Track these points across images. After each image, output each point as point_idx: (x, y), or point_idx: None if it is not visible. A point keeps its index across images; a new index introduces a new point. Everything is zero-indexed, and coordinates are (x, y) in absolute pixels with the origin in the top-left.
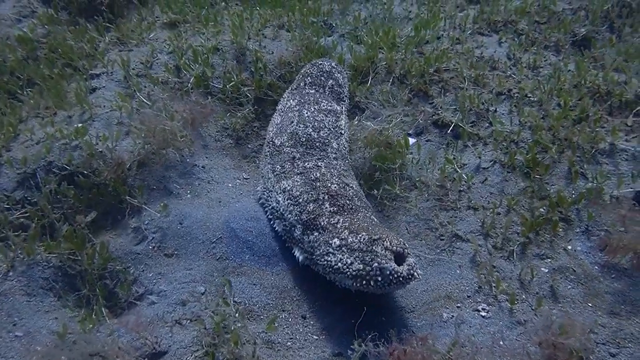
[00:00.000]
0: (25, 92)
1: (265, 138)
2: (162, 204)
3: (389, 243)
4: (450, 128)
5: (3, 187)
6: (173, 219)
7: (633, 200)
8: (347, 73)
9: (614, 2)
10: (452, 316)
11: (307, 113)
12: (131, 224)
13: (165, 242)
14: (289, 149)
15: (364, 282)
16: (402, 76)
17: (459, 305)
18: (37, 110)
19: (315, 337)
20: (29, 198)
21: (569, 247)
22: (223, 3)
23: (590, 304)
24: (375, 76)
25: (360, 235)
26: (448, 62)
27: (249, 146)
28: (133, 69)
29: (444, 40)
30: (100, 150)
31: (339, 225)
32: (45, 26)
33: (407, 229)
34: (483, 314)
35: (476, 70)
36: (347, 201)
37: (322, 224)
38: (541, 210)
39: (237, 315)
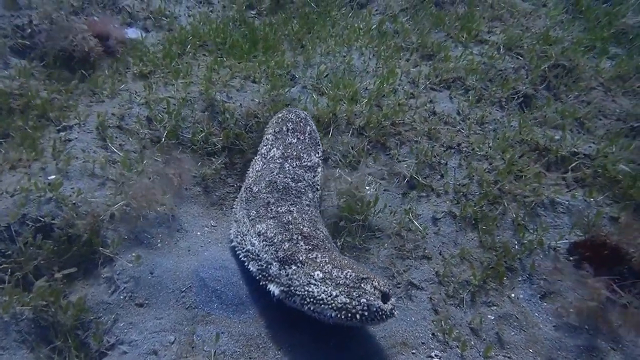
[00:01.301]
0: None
1: (232, 185)
2: (135, 255)
3: (377, 283)
4: (406, 179)
5: None
6: (144, 269)
7: (568, 251)
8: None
9: (550, 64)
10: None
11: (288, 167)
12: (103, 274)
13: (137, 291)
14: (265, 194)
15: (349, 315)
16: (361, 128)
17: (414, 351)
18: (10, 162)
19: None
20: (3, 251)
21: (513, 295)
22: (191, 54)
23: (531, 350)
24: (337, 127)
25: (346, 272)
26: (404, 115)
27: (216, 194)
28: (105, 121)
29: (399, 94)
30: (74, 202)
31: (318, 260)
32: (19, 78)
33: None
34: None
35: (429, 125)
36: (320, 242)
37: (301, 258)
38: (490, 259)
39: None
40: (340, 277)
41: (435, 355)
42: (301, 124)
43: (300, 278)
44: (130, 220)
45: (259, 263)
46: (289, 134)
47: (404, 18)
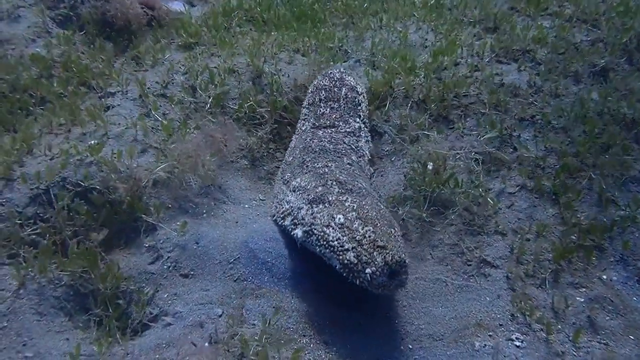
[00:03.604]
0: (38, 110)
1: (280, 159)
2: (181, 222)
3: (390, 257)
4: (474, 152)
5: (15, 203)
6: (189, 238)
7: None
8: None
9: (632, 35)
10: (485, 345)
11: (323, 134)
12: (146, 242)
13: (181, 261)
14: (299, 155)
15: (350, 274)
16: (421, 101)
17: (490, 334)
18: (50, 127)
19: None
20: (41, 215)
21: (604, 277)
22: (238, 28)
23: (631, 337)
24: (393, 100)
25: (367, 229)
26: (468, 87)
27: (265, 168)
28: (149, 88)
29: (462, 67)
30: (116, 167)
31: (347, 204)
32: (60, 46)
33: (431, 255)
34: (517, 343)
35: (497, 97)
36: (355, 188)
37: (330, 199)
38: (572, 237)
39: (256, 338)
40: (359, 233)
41: (517, 339)
42: (335, 90)
43: (323, 217)
44: (173, 188)
45: (292, 214)
46: (322, 104)
47: None
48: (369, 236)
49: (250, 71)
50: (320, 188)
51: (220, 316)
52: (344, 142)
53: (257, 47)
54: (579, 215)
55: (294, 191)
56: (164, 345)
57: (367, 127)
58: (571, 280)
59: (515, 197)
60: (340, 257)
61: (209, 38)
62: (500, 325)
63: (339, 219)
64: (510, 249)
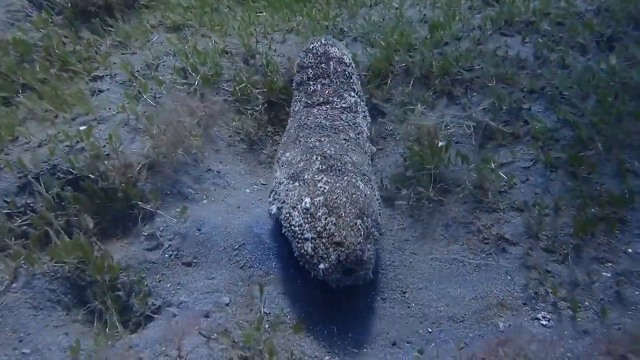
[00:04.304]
0: (20, 96)
1: (279, 142)
2: (181, 208)
3: (345, 256)
4: (482, 128)
5: (3, 193)
6: (190, 225)
7: None
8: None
9: (637, 2)
10: (509, 325)
11: (317, 111)
12: (144, 231)
13: (183, 249)
14: (294, 133)
15: (306, 264)
16: (424, 77)
17: (514, 313)
18: (35, 112)
19: (355, 350)
20: (31, 204)
21: (630, 250)
22: (227, 9)
23: None
24: (395, 78)
25: (329, 220)
26: (471, 61)
27: (264, 151)
28: (138, 71)
29: (464, 41)
30: (107, 152)
31: (319, 185)
32: (41, 29)
33: (444, 234)
34: (544, 322)
35: (503, 69)
36: (339, 164)
37: (305, 177)
38: (592, 210)
39: (267, 326)
40: (320, 223)
41: (543, 317)
42: (322, 66)
43: (293, 197)
44: (167, 169)
45: (274, 189)
46: (311, 83)
47: None
48: (329, 229)
49: (243, 52)
50: (302, 163)
51: (227, 305)
52: (341, 119)
53: (248, 27)
54: (597, 188)
55: (282, 166)
56: (170, 338)
57: (363, 102)
58: (595, 255)
59: (530, 171)
60: (299, 245)
61: (198, 19)
62: (524, 304)
63: (306, 203)
64: (528, 225)
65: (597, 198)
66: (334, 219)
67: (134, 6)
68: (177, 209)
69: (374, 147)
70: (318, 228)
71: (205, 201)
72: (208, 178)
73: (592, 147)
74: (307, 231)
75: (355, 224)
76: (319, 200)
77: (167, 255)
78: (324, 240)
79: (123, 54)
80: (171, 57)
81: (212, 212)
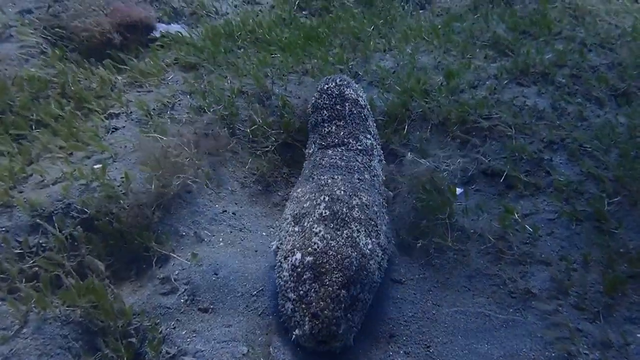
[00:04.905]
0: (34, 133)
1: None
2: (192, 252)
3: (317, 330)
4: (502, 177)
5: (15, 232)
6: (207, 269)
7: None
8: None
9: None
10: None
11: (332, 152)
12: (159, 274)
13: (199, 294)
14: (308, 173)
15: (285, 322)
16: (441, 123)
17: None
18: (49, 150)
19: None
20: (44, 244)
21: None
22: (242, 50)
23: None
24: (412, 123)
25: (313, 285)
26: (490, 109)
27: (279, 193)
28: (154, 109)
29: (480, 89)
30: (123, 191)
31: (313, 240)
32: (55, 66)
33: (467, 286)
34: None
35: (522, 119)
36: (345, 209)
37: (305, 224)
38: (623, 267)
39: None
40: (304, 287)
41: None
42: (338, 107)
43: (288, 245)
44: (181, 211)
45: (280, 225)
46: (326, 124)
47: (474, 15)
48: (310, 296)
49: (259, 92)
50: (307, 203)
51: (245, 355)
52: (357, 160)
53: (263, 68)
54: (627, 244)
55: (292, 201)
56: None
57: (379, 145)
58: (628, 315)
59: (555, 224)
60: (281, 301)
61: (213, 59)
62: None
63: (296, 259)
64: (556, 279)
65: (625, 255)
66: (317, 287)
67: (148, 45)
68: (193, 252)
69: (390, 192)
70: (300, 292)
71: (222, 244)
72: (224, 220)
73: (617, 202)
74: (291, 291)
75: (338, 295)
76: (308, 260)
77: (182, 301)
78: (302, 306)
79: (138, 92)
80: (187, 96)
81: (229, 255)
